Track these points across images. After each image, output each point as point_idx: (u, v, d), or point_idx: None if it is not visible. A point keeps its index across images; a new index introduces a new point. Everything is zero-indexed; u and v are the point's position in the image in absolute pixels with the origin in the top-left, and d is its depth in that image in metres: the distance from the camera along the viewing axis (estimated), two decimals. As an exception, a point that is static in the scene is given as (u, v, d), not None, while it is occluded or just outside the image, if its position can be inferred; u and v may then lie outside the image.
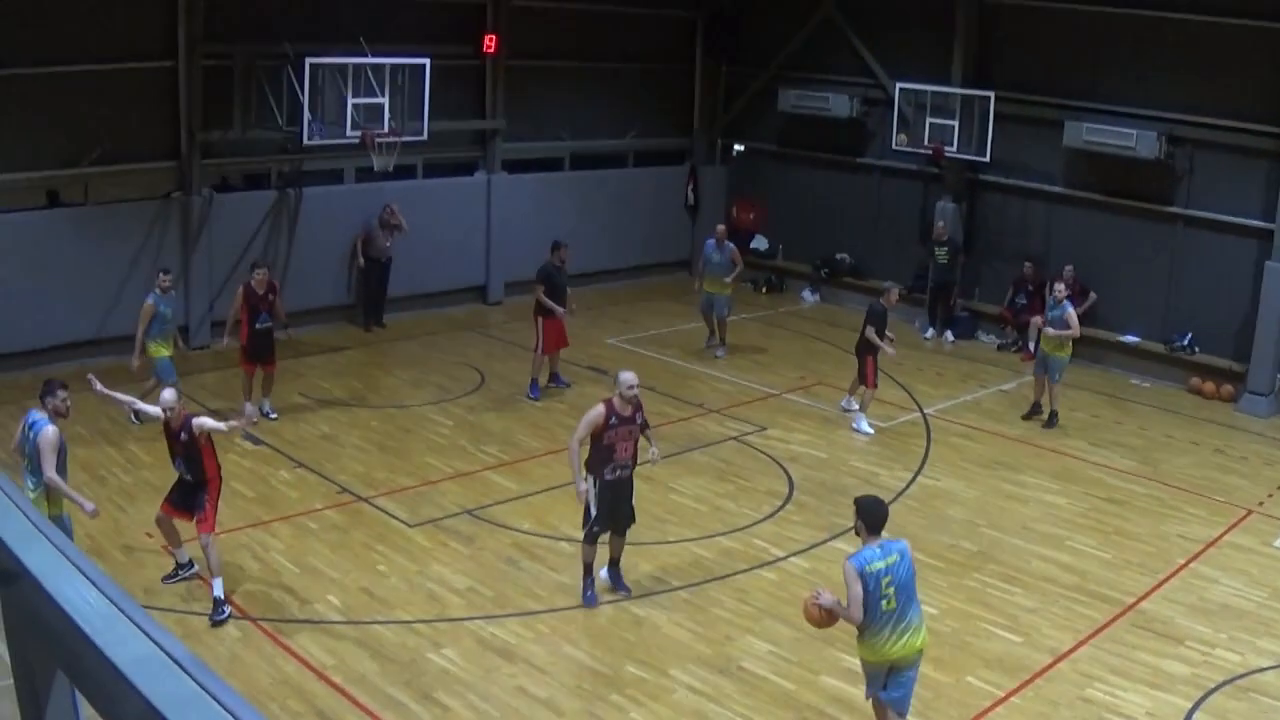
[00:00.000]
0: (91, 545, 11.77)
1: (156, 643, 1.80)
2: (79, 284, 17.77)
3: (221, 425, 11.34)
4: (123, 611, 1.88)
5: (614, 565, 11.80)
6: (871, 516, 8.61)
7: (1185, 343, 19.68)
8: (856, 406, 17.30)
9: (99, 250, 18.02)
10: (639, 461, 11.58)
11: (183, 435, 11.00)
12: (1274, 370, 18.36)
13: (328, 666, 9.96)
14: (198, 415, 11.28)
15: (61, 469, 10.19)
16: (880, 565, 8.35)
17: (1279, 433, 17.69)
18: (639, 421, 11.35)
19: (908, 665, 8.65)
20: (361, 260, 20.83)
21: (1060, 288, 17.35)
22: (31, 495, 9.96)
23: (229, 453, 14.72)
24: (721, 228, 21.04)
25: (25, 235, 17.40)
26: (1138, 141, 19.18)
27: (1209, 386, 19.26)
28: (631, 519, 11.66)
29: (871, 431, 16.94)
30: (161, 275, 15.56)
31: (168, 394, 11.31)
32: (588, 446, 11.31)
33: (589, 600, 11.43)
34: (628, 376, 11.28)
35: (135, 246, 18.46)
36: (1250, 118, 18.55)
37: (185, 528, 11.27)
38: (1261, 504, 14.74)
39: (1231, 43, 18.68)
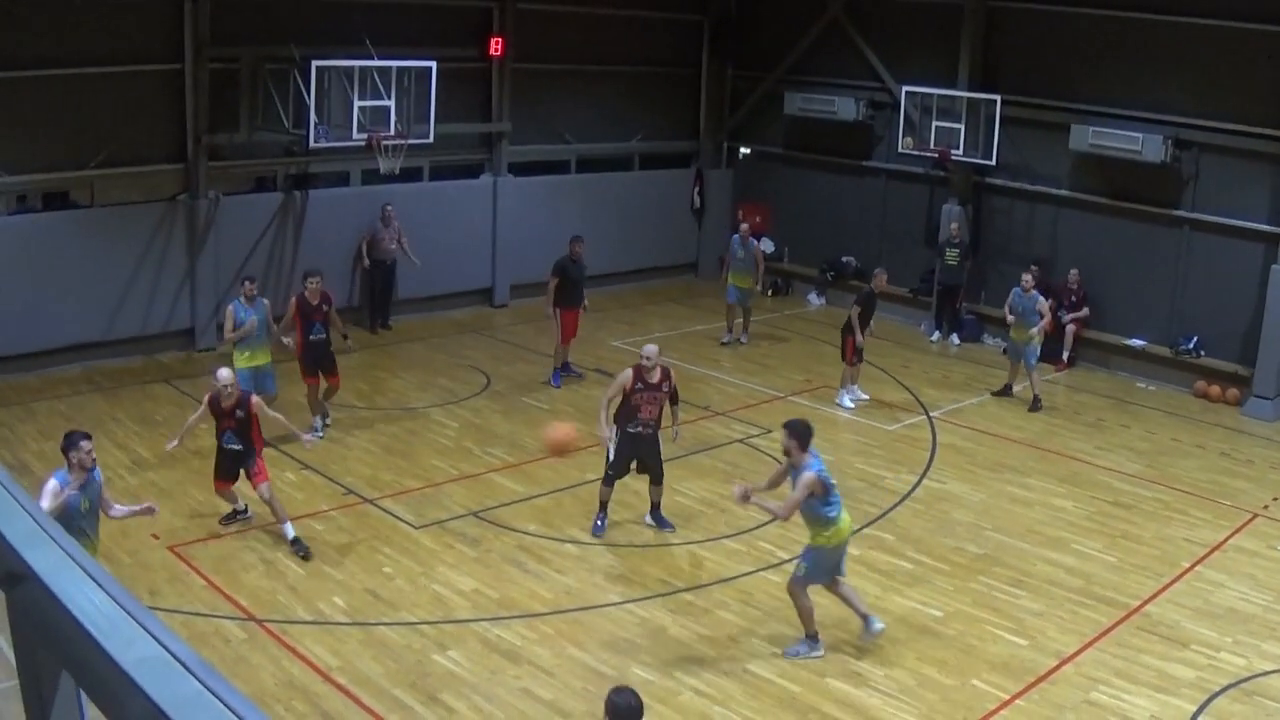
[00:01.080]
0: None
1: (162, 644, 1.81)
2: (85, 286, 17.79)
3: (281, 418, 12.99)
4: (128, 613, 1.88)
5: (655, 510, 13.37)
6: (806, 434, 10.35)
7: (1191, 346, 19.65)
8: (855, 386, 18.29)
9: (105, 252, 18.05)
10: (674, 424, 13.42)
11: (238, 413, 12.04)
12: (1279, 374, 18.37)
13: (333, 668, 9.97)
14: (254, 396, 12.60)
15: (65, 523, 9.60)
16: (826, 469, 10.29)
17: (1285, 436, 17.69)
18: (666, 390, 12.85)
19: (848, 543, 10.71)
20: (367, 261, 20.84)
21: (1027, 278, 18.18)
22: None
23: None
24: (745, 225, 21.74)
25: (32, 237, 17.42)
26: (1144, 145, 19.16)
27: (1215, 390, 19.23)
28: (660, 471, 13.13)
29: (853, 406, 17.87)
30: (246, 283, 15.32)
31: (224, 372, 12.16)
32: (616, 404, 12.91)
33: (597, 531, 13.02)
34: (649, 349, 12.97)
35: (141, 249, 18.48)
36: (1256, 121, 18.52)
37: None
38: (1267, 507, 14.72)
39: (1238, 46, 18.66)
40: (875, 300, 18.09)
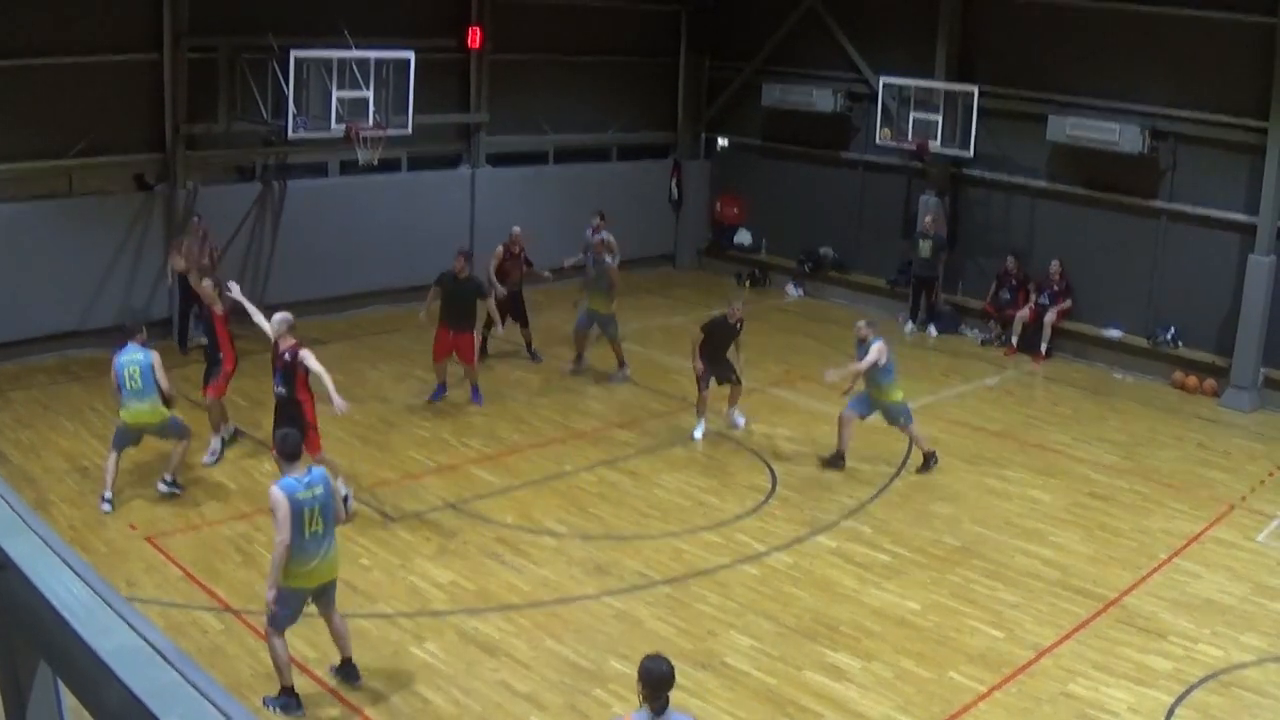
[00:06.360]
0: (75, 537, 11.75)
1: (139, 633, 1.79)
2: (62, 275, 17.68)
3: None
4: (106, 602, 1.87)
5: (528, 346, 18.87)
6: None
7: (1168, 337, 19.71)
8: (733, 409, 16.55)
9: (83, 242, 17.95)
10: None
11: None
12: (1257, 364, 18.42)
13: (309, 659, 9.94)
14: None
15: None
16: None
17: (1262, 427, 17.75)
18: (524, 257, 18.53)
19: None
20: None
21: (861, 325, 14.94)
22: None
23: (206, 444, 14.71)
24: (599, 238, 18.98)
25: (8, 226, 17.30)
26: (1121, 136, 19.19)
27: (1192, 380, 19.28)
28: (526, 317, 18.76)
29: (698, 439, 16.03)
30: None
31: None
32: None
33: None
34: (515, 229, 18.88)
35: (119, 238, 18.39)
36: (1233, 111, 18.57)
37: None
38: (1244, 498, 14.78)
39: (1214, 36, 18.71)
40: (725, 329, 15.80)
